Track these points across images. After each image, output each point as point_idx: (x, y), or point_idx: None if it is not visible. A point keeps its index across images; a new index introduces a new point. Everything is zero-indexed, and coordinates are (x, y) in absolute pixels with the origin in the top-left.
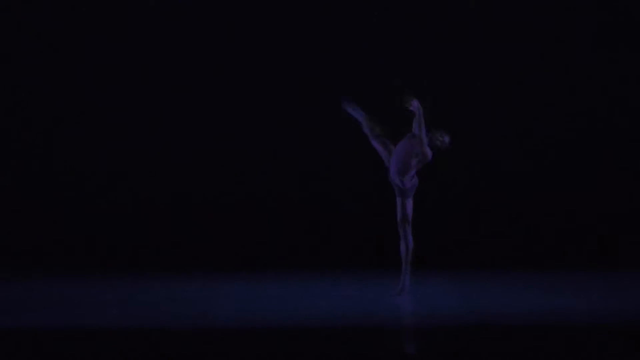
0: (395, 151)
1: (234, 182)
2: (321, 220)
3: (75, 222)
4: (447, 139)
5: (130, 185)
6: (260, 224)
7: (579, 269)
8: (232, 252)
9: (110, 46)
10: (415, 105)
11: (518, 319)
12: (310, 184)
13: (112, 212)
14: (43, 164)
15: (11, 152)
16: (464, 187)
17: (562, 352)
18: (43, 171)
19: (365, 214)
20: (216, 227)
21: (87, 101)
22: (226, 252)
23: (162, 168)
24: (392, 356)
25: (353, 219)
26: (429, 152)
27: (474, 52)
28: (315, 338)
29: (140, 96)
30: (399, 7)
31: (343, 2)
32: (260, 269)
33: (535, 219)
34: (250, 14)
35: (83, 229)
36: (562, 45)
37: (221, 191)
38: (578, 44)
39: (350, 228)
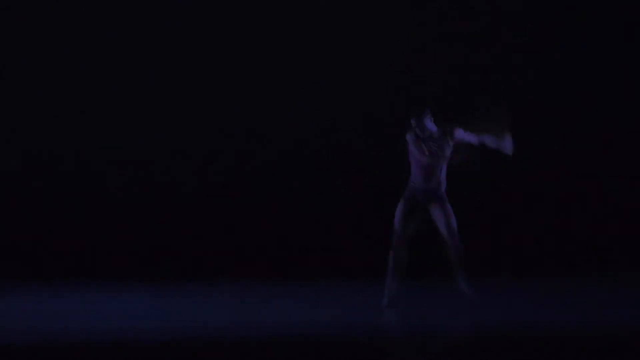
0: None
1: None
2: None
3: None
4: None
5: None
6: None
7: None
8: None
9: (98, 48)
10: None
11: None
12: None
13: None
14: None
15: None
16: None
17: None
18: None
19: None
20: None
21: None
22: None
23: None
24: None
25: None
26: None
27: (473, 51)
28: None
29: (137, 98)
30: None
31: (342, 1)
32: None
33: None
34: (248, 15)
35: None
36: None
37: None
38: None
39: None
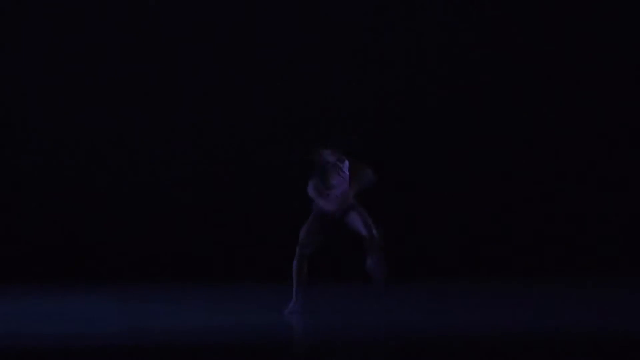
0: None
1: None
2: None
3: None
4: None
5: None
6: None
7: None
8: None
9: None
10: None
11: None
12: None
13: None
14: None
15: None
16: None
17: None
18: None
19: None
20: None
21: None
22: None
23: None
24: None
25: None
26: None
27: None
28: None
29: (137, 98)
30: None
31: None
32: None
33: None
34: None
35: None
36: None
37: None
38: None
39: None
